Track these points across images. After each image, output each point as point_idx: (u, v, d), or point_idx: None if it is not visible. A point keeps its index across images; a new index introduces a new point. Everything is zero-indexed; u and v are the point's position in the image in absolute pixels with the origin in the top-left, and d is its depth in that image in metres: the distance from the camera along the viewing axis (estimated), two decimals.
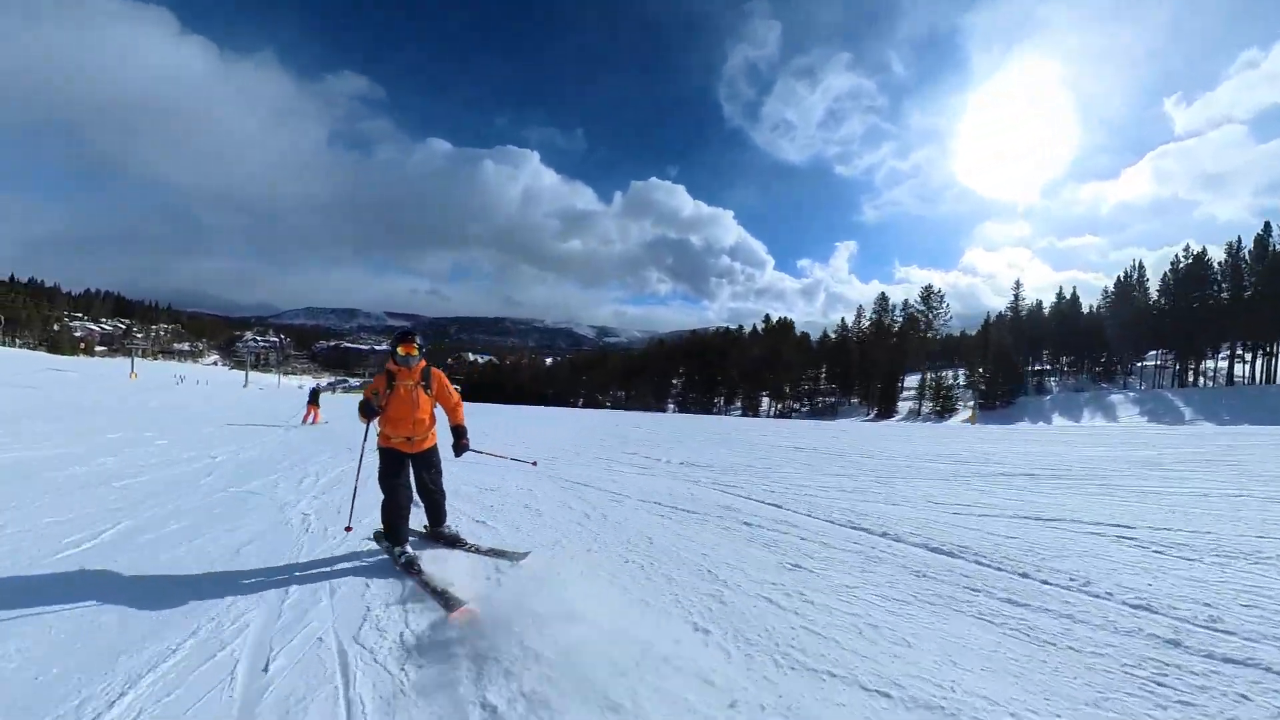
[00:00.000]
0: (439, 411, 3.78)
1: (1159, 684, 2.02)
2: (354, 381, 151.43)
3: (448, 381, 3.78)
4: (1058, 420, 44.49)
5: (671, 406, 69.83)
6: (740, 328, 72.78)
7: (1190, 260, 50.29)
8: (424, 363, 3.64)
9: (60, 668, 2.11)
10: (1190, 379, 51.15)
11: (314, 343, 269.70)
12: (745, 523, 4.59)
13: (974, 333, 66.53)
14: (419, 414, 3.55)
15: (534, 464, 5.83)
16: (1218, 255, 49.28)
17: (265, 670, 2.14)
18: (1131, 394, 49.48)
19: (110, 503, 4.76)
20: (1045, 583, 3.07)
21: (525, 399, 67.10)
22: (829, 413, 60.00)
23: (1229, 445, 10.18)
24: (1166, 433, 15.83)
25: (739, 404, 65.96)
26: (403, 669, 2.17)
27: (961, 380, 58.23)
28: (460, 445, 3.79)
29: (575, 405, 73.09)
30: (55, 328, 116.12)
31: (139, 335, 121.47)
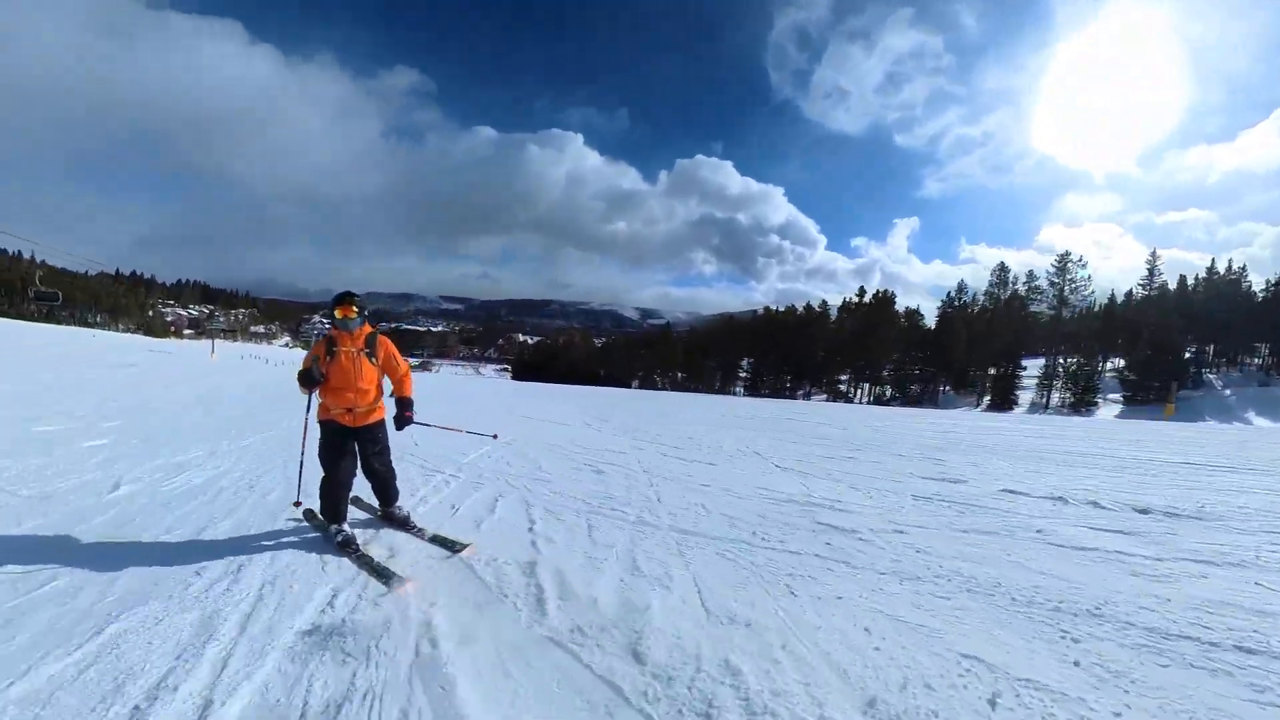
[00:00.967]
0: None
1: None
2: (414, 361, 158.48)
3: (395, 350, 3.55)
4: (1259, 420, 36.13)
5: (739, 390, 67.39)
6: (824, 303, 66.66)
7: None
8: (368, 327, 3.42)
9: None
10: None
11: (376, 325, 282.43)
12: None
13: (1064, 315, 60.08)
14: (361, 383, 3.31)
15: (494, 436, 5.73)
16: None
17: None
18: None
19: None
20: None
21: (577, 379, 67.01)
22: (926, 400, 54.16)
23: None
24: None
25: (820, 389, 61.55)
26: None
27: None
28: (403, 418, 3.56)
29: (631, 386, 72.46)
30: (150, 314, 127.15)
31: (220, 319, 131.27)
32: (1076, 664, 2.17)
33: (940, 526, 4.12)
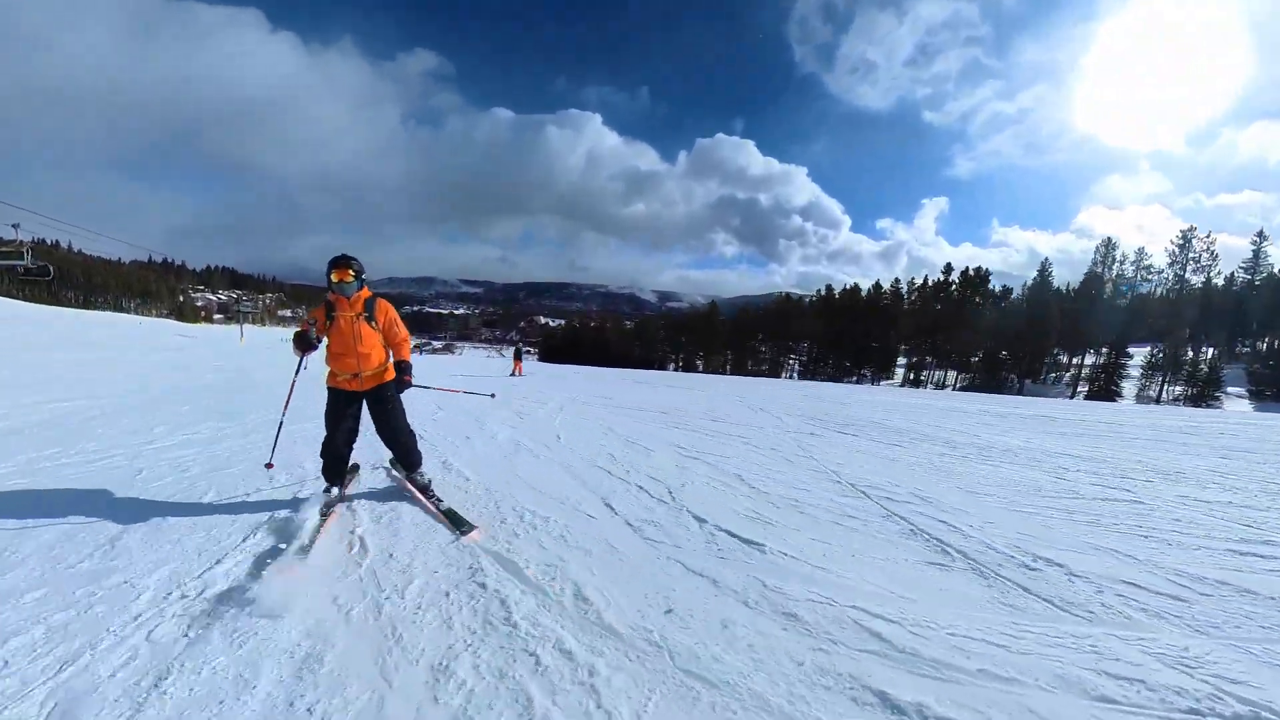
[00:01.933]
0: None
1: None
2: (436, 344, 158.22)
3: (396, 315, 3.50)
4: None
5: (792, 374, 63.84)
6: (896, 282, 61.34)
7: None
8: (366, 292, 3.38)
9: None
10: None
11: (399, 308, 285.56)
12: None
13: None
14: (362, 348, 3.30)
15: (492, 395, 7.30)
16: None
17: None
18: None
19: None
20: None
21: (610, 361, 64.77)
22: (1006, 388, 49.50)
23: None
24: None
25: (884, 374, 57.00)
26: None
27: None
28: (401, 381, 3.51)
29: (666, 369, 69.90)
30: (180, 299, 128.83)
31: (248, 303, 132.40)
32: None
33: None
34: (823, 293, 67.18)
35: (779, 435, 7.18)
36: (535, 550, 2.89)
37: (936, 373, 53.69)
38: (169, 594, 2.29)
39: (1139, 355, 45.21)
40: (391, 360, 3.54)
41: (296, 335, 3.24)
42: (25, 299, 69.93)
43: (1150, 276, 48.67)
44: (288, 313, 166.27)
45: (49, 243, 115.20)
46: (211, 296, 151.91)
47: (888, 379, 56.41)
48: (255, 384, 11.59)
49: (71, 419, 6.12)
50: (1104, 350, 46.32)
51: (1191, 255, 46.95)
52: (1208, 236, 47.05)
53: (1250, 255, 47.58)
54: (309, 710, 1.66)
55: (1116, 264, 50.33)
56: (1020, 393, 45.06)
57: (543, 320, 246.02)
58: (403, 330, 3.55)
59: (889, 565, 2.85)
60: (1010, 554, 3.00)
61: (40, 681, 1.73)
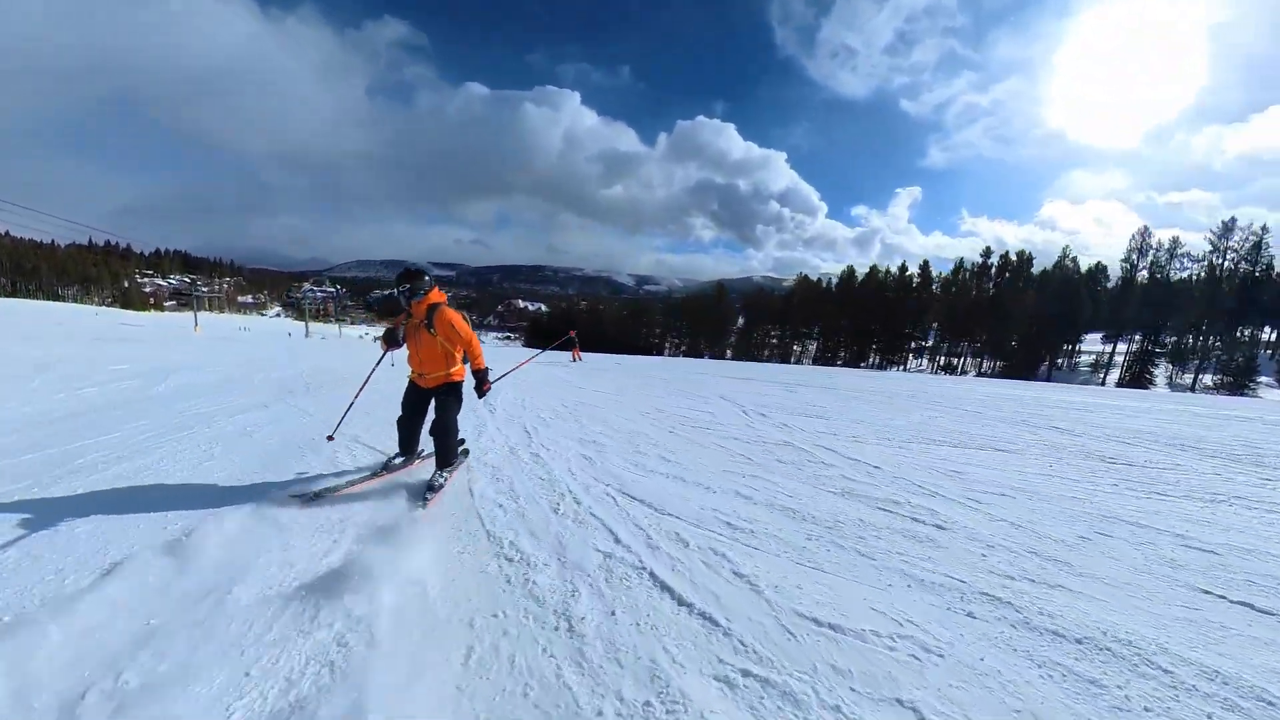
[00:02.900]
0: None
1: None
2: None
3: (459, 321, 3.67)
4: None
5: (804, 360, 60.74)
6: (925, 265, 57.59)
7: None
8: (428, 301, 3.62)
9: None
10: None
11: (369, 292, 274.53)
12: None
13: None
14: (422, 353, 3.68)
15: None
16: None
17: None
18: None
19: None
20: None
21: (603, 347, 60.73)
22: (1028, 374, 47.07)
23: None
24: None
25: (896, 360, 54.09)
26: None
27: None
28: (480, 389, 3.91)
29: (667, 355, 66.11)
30: (126, 285, 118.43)
31: (204, 289, 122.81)
32: None
33: None
34: (832, 276, 64.21)
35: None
36: None
37: (954, 359, 51.35)
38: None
39: (1144, 343, 43.67)
40: (467, 366, 3.85)
41: (386, 332, 3.81)
42: None
43: (1188, 265, 46.42)
44: (248, 299, 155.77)
45: None
46: (161, 282, 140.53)
47: (901, 365, 53.90)
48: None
49: None
50: (1135, 337, 44.58)
51: (1232, 244, 45.31)
52: (1258, 228, 45.12)
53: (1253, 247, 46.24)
54: None
55: (1151, 251, 48.27)
56: (1049, 379, 43.04)
57: (521, 304, 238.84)
58: (465, 334, 3.69)
59: None
60: None
61: None
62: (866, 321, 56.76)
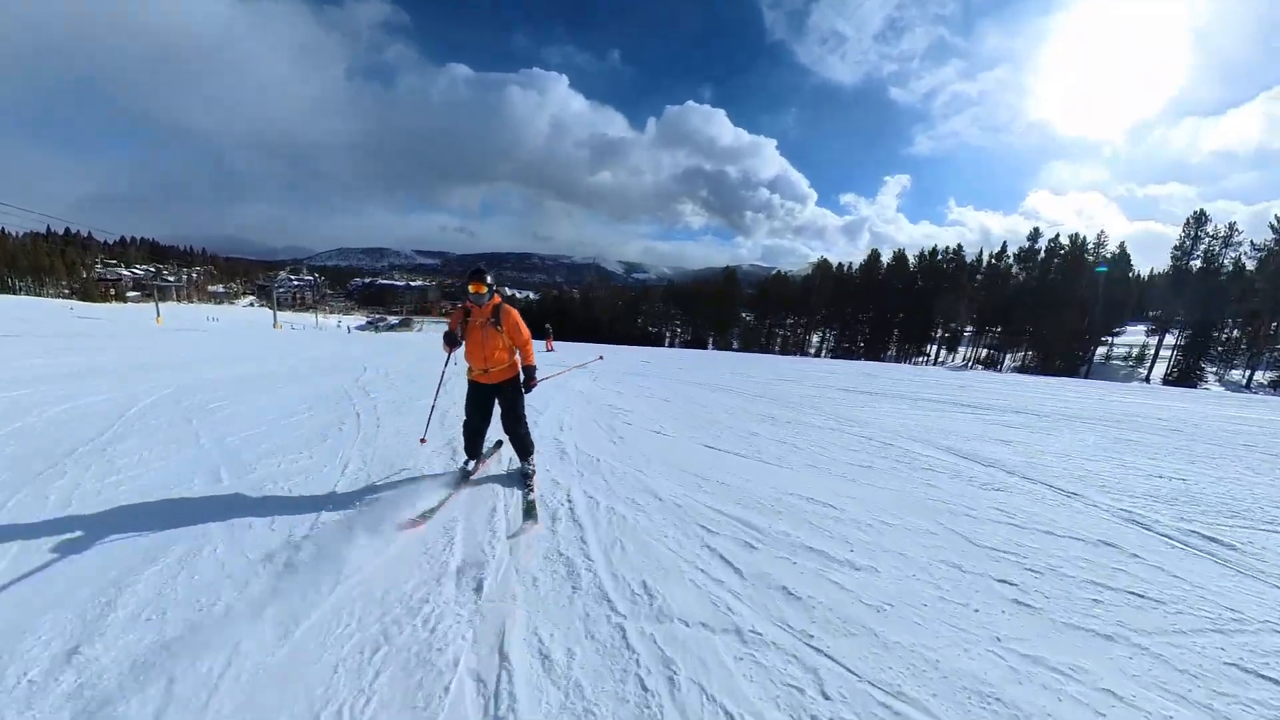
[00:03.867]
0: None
1: None
2: (393, 320, 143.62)
3: (519, 319, 3.89)
4: None
5: (816, 351, 56.52)
6: (958, 249, 52.04)
7: None
8: (496, 300, 3.82)
9: None
10: None
11: (348, 281, 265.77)
12: None
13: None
14: (488, 349, 3.76)
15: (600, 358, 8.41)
16: None
17: None
18: None
19: None
20: None
21: (600, 336, 56.71)
22: (1044, 368, 43.18)
23: None
24: None
25: (915, 351, 49.67)
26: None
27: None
28: (528, 384, 3.99)
29: (667, 345, 62.03)
30: (85, 276, 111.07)
31: (170, 278, 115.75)
32: None
33: None
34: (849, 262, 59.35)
35: None
36: None
37: (992, 352, 47.28)
38: None
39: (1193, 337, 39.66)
40: (519, 361, 4.00)
41: (446, 334, 3.90)
42: None
43: (1251, 253, 42.32)
44: (219, 288, 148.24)
45: None
46: (125, 272, 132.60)
47: (922, 358, 49.74)
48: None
49: None
50: (1178, 330, 40.98)
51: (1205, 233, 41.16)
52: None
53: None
54: None
55: (1207, 238, 44.10)
56: (1088, 375, 39.70)
57: (510, 291, 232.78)
58: (525, 333, 3.91)
59: None
60: None
61: None
62: (894, 310, 52.03)
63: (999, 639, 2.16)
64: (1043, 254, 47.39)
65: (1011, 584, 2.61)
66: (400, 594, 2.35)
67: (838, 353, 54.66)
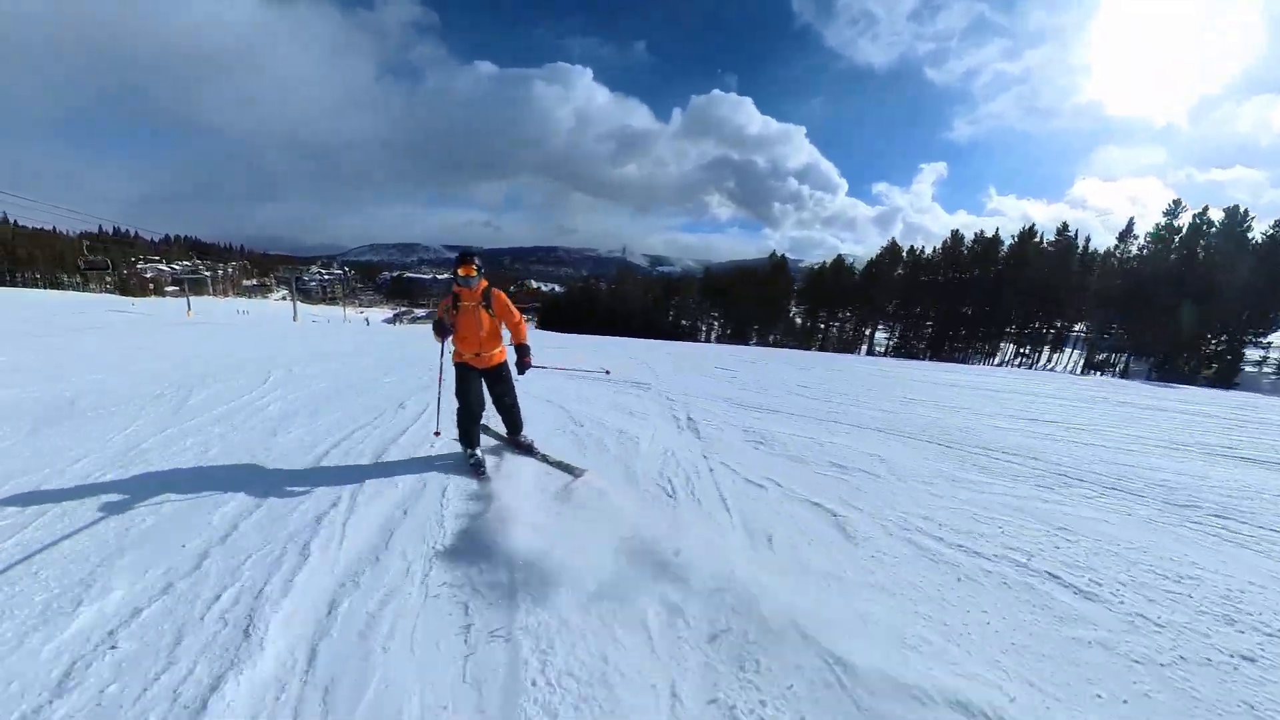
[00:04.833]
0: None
1: None
2: (420, 312, 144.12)
3: (509, 301, 3.90)
4: None
5: (880, 349, 51.05)
6: (1063, 227, 43.51)
7: None
8: (485, 283, 3.82)
9: None
10: None
11: (378, 275, 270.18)
12: None
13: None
14: (482, 332, 3.80)
15: (607, 372, 7.04)
16: None
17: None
18: None
19: None
20: None
21: (628, 330, 53.76)
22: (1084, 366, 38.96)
23: None
24: None
25: (978, 349, 43.47)
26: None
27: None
28: (523, 363, 4.04)
29: (707, 339, 58.51)
30: (124, 271, 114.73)
31: (206, 273, 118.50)
32: None
33: None
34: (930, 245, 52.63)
35: None
36: None
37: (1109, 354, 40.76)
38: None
39: None
40: (509, 343, 4.08)
41: (435, 323, 3.86)
42: None
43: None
44: (252, 281, 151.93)
45: None
46: (164, 268, 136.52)
47: (990, 358, 43.55)
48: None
49: None
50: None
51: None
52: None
53: None
54: None
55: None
56: (1232, 385, 33.42)
57: (534, 284, 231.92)
58: (516, 314, 3.96)
59: None
60: None
61: None
62: (980, 303, 44.17)
63: None
64: (1184, 232, 38.85)
65: None
66: None
67: (902, 351, 48.73)
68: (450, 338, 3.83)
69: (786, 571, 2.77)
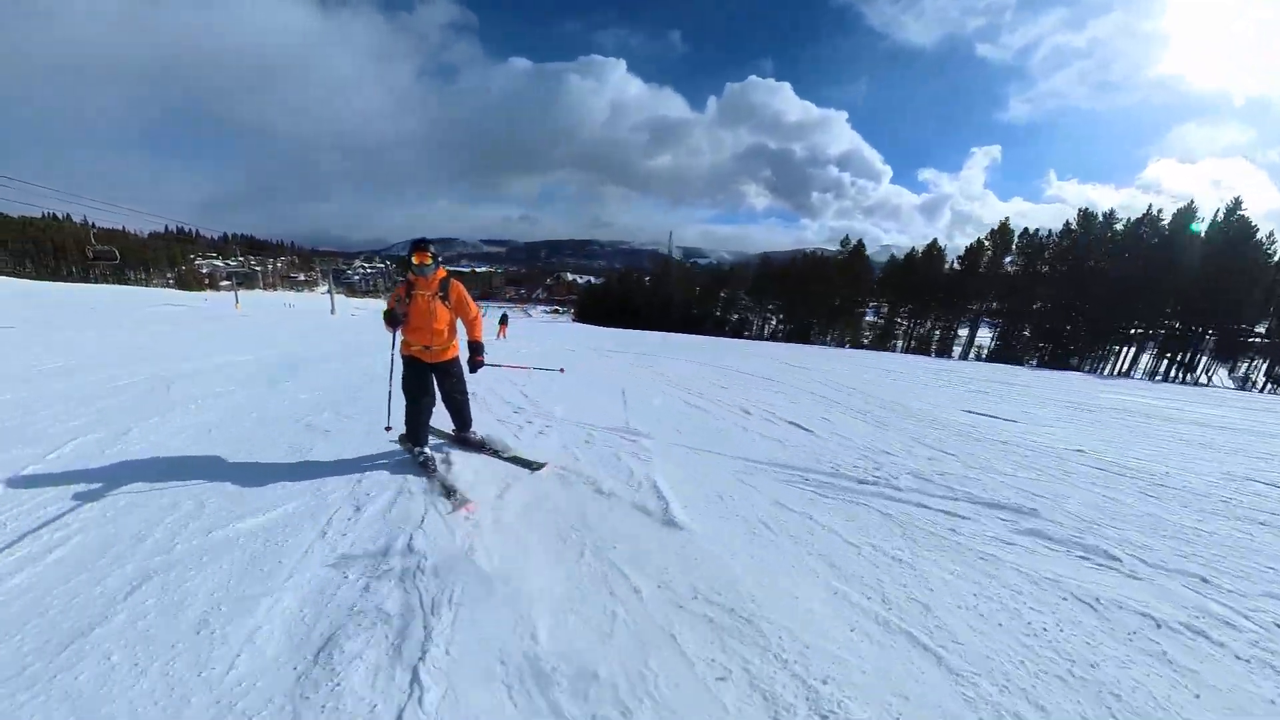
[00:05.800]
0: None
1: None
2: None
3: (466, 294, 3.73)
4: None
5: (973, 353, 43.69)
6: (1236, 201, 35.42)
7: None
8: (442, 273, 3.61)
9: None
10: None
11: (448, 270, 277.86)
12: None
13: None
14: (436, 325, 3.56)
15: (561, 370, 6.68)
16: None
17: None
18: None
19: None
20: None
21: (668, 324, 51.76)
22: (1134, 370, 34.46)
23: None
24: None
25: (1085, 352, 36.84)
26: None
27: None
28: (475, 361, 3.78)
29: (760, 336, 55.42)
30: (182, 267, 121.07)
31: (257, 268, 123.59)
32: None
33: None
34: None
35: None
36: None
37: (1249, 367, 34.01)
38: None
39: None
40: (465, 339, 3.79)
41: (385, 314, 3.54)
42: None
43: None
44: (300, 275, 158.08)
45: (60, 218, 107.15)
46: (219, 263, 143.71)
47: (1098, 366, 36.71)
48: None
49: None
50: None
51: None
52: None
53: None
54: None
55: None
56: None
57: (570, 277, 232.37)
58: (473, 309, 3.71)
59: None
60: None
61: None
62: (1117, 299, 35.77)
63: None
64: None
65: None
66: None
67: (1000, 355, 40.32)
68: (400, 329, 3.57)
69: None
